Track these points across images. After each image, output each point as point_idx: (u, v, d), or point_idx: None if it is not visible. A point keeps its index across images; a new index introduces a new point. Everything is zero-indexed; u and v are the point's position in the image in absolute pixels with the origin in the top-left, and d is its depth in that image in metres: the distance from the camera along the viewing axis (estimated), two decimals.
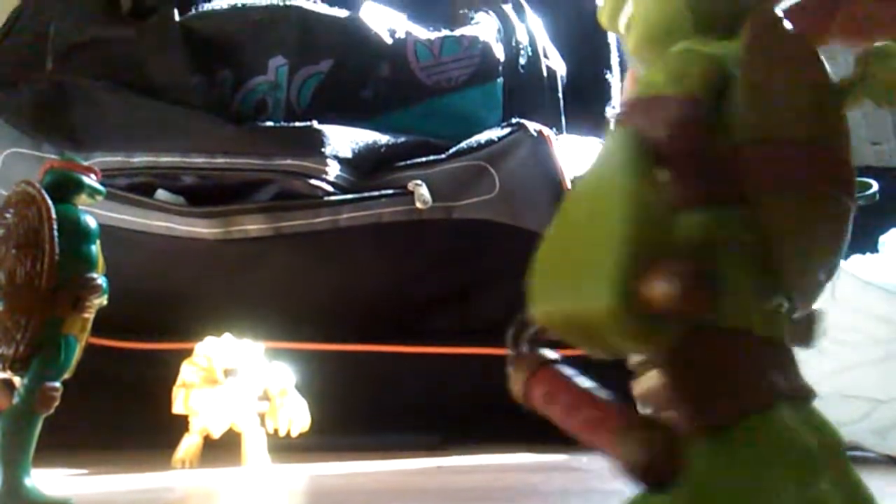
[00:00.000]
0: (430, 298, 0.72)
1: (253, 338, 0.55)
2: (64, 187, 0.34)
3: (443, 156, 0.75)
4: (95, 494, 0.40)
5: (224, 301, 0.68)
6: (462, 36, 0.83)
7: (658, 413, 0.17)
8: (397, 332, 0.71)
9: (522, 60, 0.86)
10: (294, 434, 0.53)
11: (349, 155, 0.72)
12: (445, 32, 0.83)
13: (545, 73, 0.87)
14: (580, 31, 0.95)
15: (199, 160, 0.70)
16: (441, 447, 0.64)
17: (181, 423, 0.53)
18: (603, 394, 0.17)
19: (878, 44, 0.19)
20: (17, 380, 0.33)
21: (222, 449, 0.53)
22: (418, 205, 0.70)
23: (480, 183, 0.73)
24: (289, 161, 0.70)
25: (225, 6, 0.80)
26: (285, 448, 0.55)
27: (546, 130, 0.76)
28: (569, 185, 0.73)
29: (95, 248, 0.35)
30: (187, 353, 0.54)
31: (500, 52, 0.84)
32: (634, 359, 0.18)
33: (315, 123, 0.72)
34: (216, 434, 0.52)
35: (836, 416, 0.19)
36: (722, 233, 0.17)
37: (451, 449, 0.63)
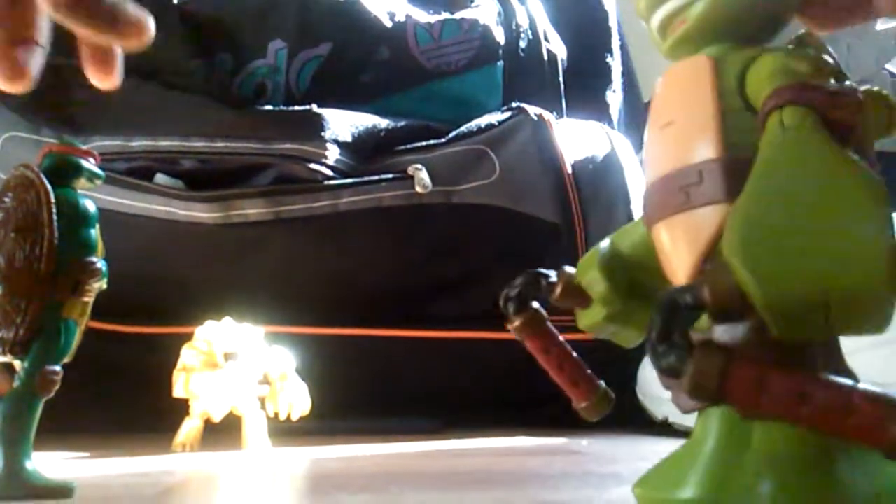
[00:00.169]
0: (430, 282, 0.72)
1: (253, 322, 0.55)
2: (63, 171, 0.34)
3: (443, 140, 0.75)
4: (96, 478, 0.40)
5: (224, 285, 0.68)
6: (462, 19, 0.82)
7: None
8: (397, 316, 0.71)
9: (523, 44, 0.85)
10: (294, 418, 0.53)
11: (349, 139, 0.72)
12: (445, 16, 0.82)
13: (545, 57, 0.86)
14: (581, 15, 0.95)
15: (198, 144, 0.70)
16: (441, 431, 0.65)
17: (181, 407, 0.53)
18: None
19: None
20: (17, 363, 0.33)
21: (223, 433, 0.53)
22: (418, 189, 0.70)
23: (480, 167, 0.73)
24: (288, 145, 0.70)
25: None
26: (285, 432, 0.55)
27: (546, 114, 0.76)
28: (569, 170, 0.73)
29: (95, 232, 0.34)
30: (187, 336, 0.54)
31: (500, 36, 0.83)
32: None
33: (315, 107, 0.72)
34: (216, 418, 0.53)
35: None
36: None
37: (452, 432, 0.64)
